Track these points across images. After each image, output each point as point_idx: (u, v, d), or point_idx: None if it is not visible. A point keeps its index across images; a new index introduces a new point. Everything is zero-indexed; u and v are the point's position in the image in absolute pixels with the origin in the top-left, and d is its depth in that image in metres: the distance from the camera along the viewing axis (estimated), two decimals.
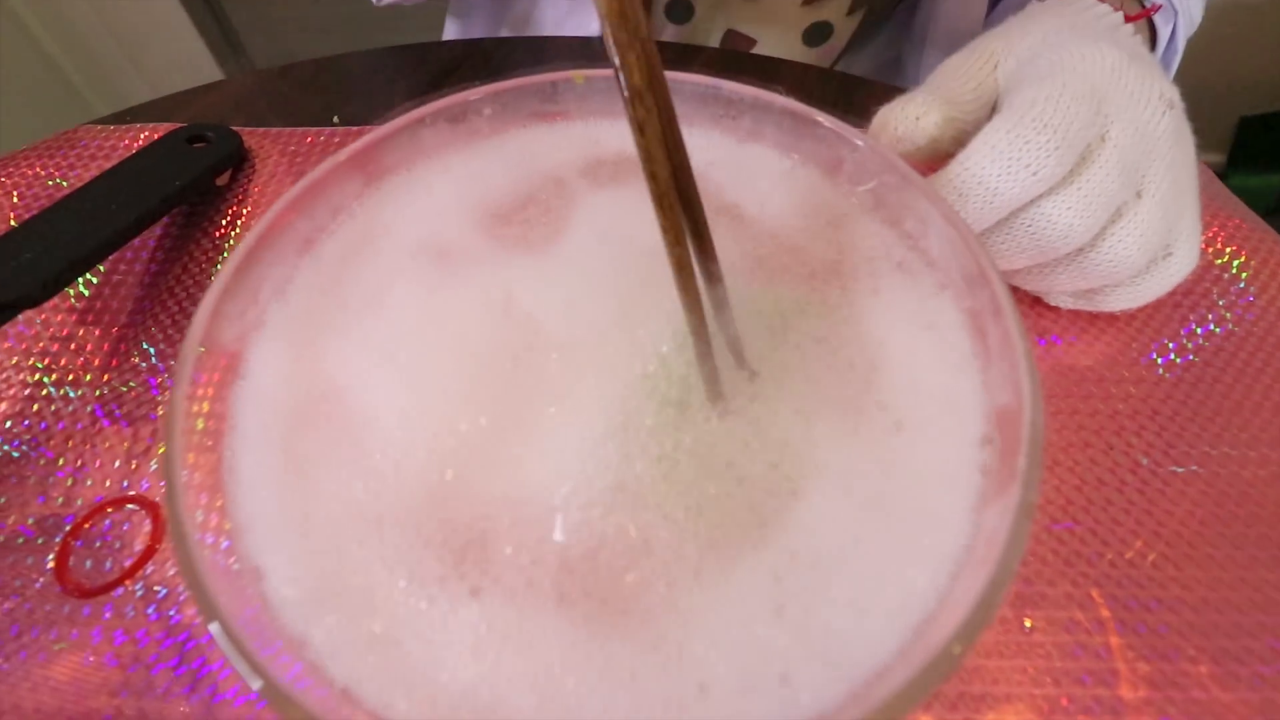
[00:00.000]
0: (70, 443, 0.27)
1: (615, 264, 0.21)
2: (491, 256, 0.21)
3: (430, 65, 0.41)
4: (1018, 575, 0.22)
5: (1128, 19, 0.31)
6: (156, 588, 0.23)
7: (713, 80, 0.23)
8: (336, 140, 0.36)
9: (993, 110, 0.26)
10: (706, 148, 0.24)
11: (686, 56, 0.41)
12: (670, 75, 0.23)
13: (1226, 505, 0.25)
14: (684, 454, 0.17)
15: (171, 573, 0.24)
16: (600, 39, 0.14)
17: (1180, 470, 0.26)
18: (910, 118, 0.25)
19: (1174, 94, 0.25)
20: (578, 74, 0.24)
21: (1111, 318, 0.29)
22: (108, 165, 0.35)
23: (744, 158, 0.23)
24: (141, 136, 0.36)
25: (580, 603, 0.15)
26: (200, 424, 0.17)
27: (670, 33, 0.48)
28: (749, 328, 0.19)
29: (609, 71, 0.23)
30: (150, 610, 0.23)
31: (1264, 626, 0.22)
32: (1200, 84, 1.34)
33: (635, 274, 0.20)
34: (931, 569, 0.15)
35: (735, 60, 0.42)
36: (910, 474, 0.17)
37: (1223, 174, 1.44)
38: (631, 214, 0.21)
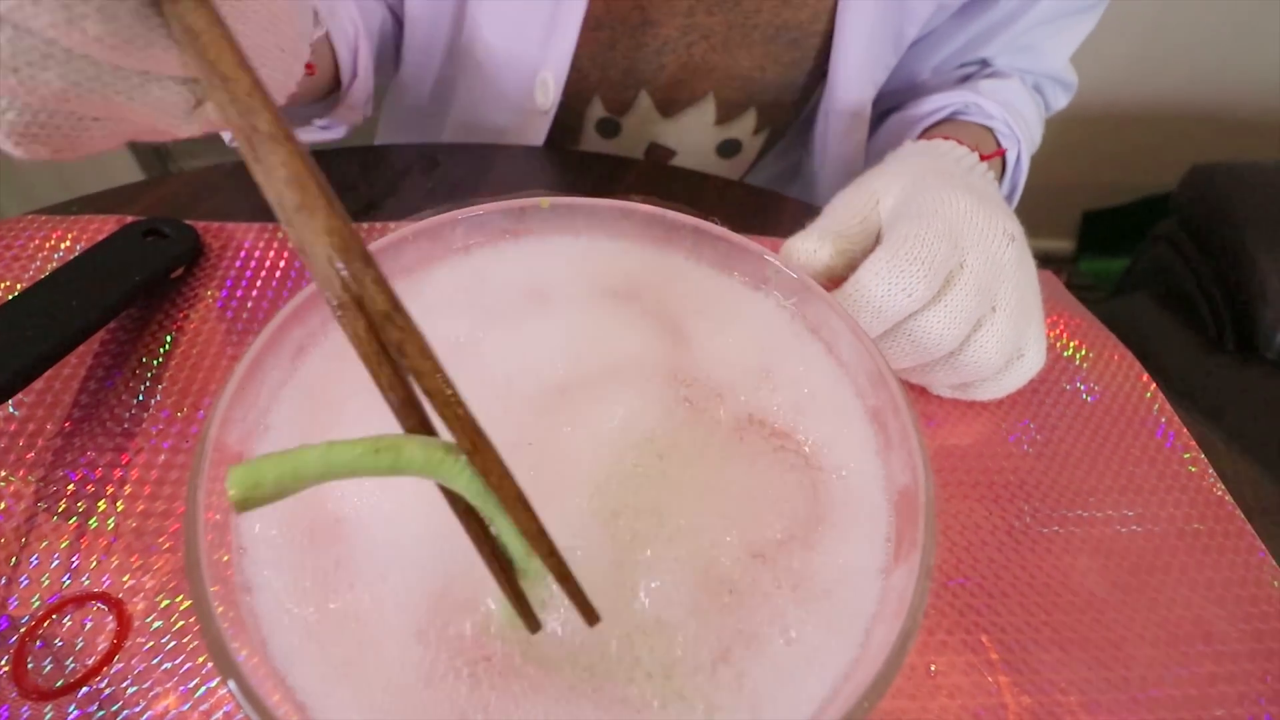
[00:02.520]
0: (22, 540, 0.27)
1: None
2: (465, 361, 0.25)
3: (385, 168, 0.45)
4: (921, 627, 0.26)
5: (983, 158, 0.39)
6: (125, 684, 0.24)
7: (666, 212, 0.28)
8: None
9: (876, 238, 0.33)
10: (659, 268, 0.28)
11: (620, 170, 0.47)
12: (632, 205, 0.28)
13: (1083, 558, 0.31)
14: None
15: (140, 669, 0.24)
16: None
17: (1046, 530, 0.32)
18: (809, 250, 0.31)
19: (1015, 228, 0.32)
20: (544, 200, 0.28)
21: (983, 405, 0.36)
22: (54, 257, 0.36)
23: (691, 275, 0.28)
24: (90, 229, 0.37)
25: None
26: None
27: (600, 147, 0.53)
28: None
29: (571, 199, 0.28)
30: (117, 708, 0.23)
31: (1118, 658, 0.28)
32: (1051, 184, 1.56)
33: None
34: (849, 629, 0.19)
35: (663, 174, 0.47)
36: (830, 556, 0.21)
37: (1073, 258, 1.66)
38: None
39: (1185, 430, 0.36)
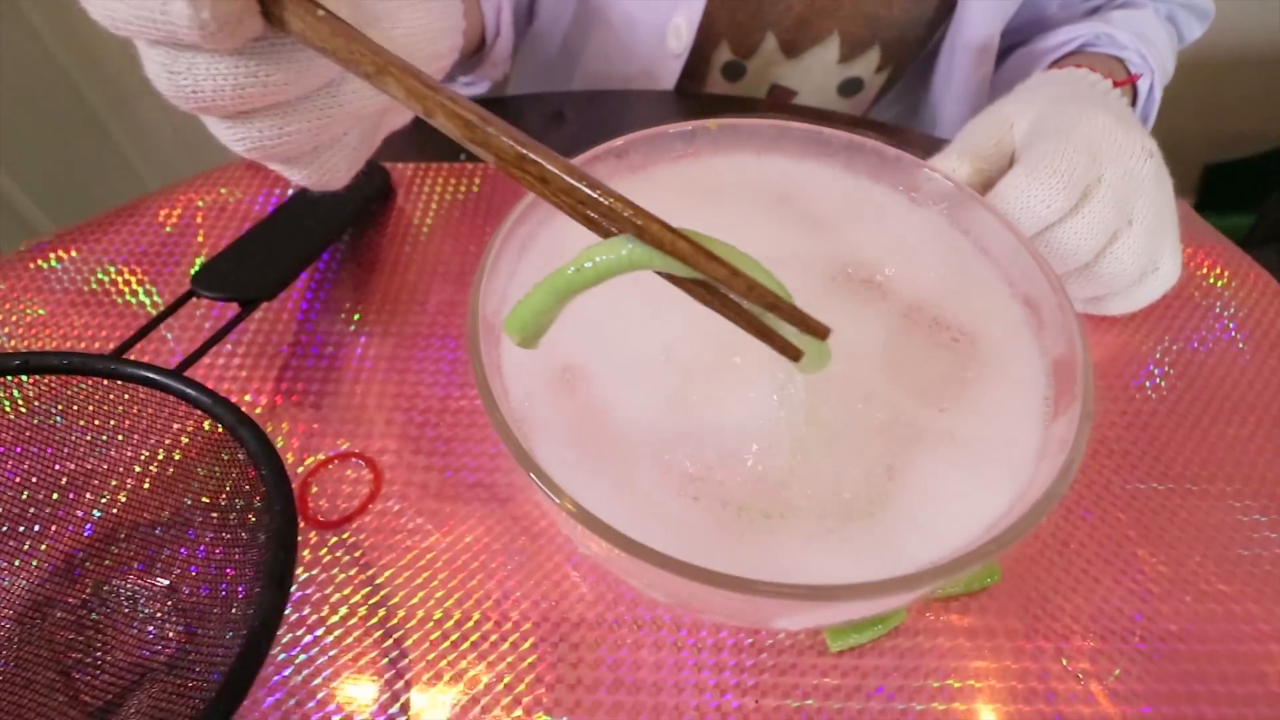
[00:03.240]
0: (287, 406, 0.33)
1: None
2: None
3: (539, 112, 0.50)
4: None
5: (1116, 84, 0.40)
6: (385, 521, 0.30)
7: (821, 129, 0.31)
8: (467, 171, 0.44)
9: (1010, 161, 0.35)
10: (817, 178, 0.31)
11: (746, 109, 0.50)
12: (789, 123, 0.31)
13: None
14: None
15: (396, 508, 0.30)
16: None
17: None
18: (949, 169, 0.34)
19: (1153, 145, 0.33)
20: (712, 122, 0.32)
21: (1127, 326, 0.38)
22: (272, 193, 0.43)
23: (846, 183, 0.31)
24: None
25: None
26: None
27: (725, 89, 0.56)
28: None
29: (739, 119, 0.31)
30: (380, 539, 0.29)
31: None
32: (1169, 134, 1.47)
33: None
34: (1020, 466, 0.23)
35: (790, 114, 0.50)
36: (1000, 397, 0.24)
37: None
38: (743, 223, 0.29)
39: None
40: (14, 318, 0.36)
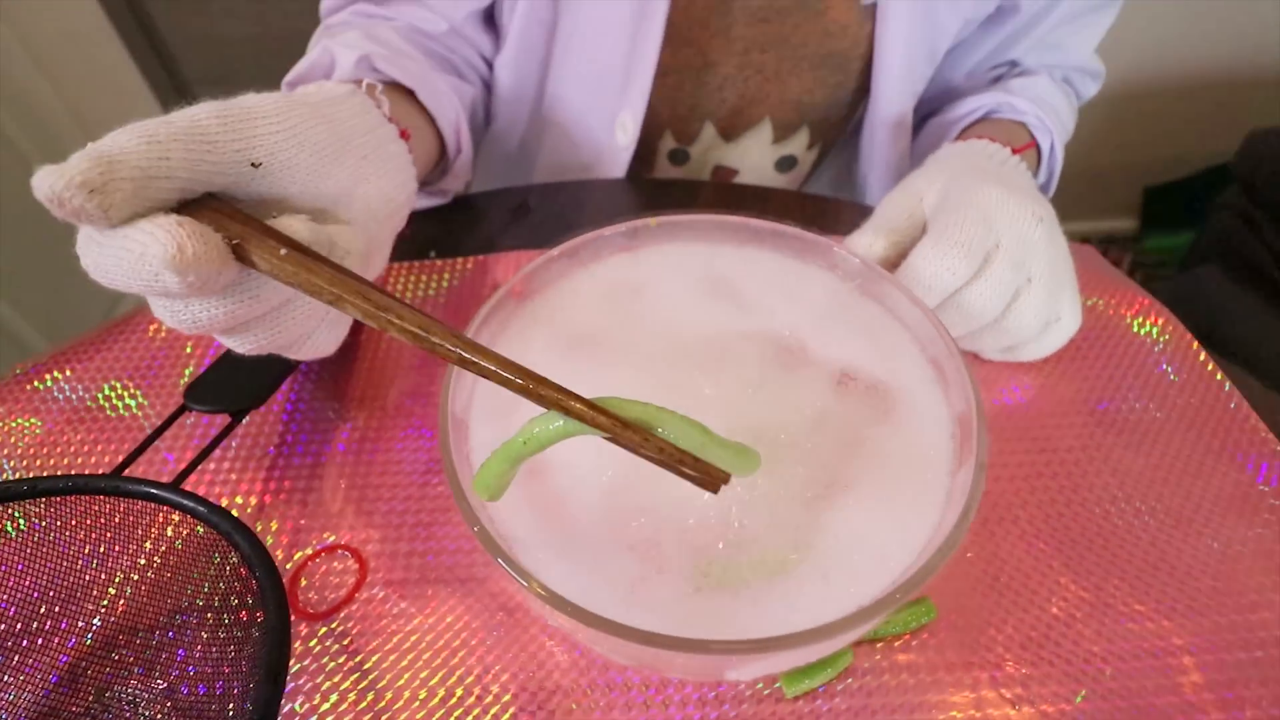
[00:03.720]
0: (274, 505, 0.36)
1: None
2: (606, 348, 0.32)
3: (503, 205, 0.54)
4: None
5: (1015, 150, 0.45)
6: (371, 608, 0.32)
7: (748, 220, 0.35)
8: (438, 268, 0.48)
9: (923, 230, 0.39)
10: (748, 262, 0.35)
11: (691, 192, 0.54)
12: (723, 217, 0.35)
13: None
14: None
15: (381, 595, 0.33)
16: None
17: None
18: (866, 244, 0.38)
19: (1045, 211, 0.38)
20: (652, 220, 0.36)
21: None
22: None
23: (774, 265, 0.35)
24: None
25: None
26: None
27: (672, 172, 0.61)
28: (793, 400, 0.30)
29: (673, 216, 0.35)
30: (367, 625, 0.32)
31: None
32: (1110, 163, 1.56)
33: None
34: (929, 511, 0.26)
35: (733, 193, 0.55)
36: (914, 449, 0.27)
37: (1137, 236, 1.65)
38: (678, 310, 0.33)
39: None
40: (13, 439, 0.39)
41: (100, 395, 0.41)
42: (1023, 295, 0.37)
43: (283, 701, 0.30)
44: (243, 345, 0.28)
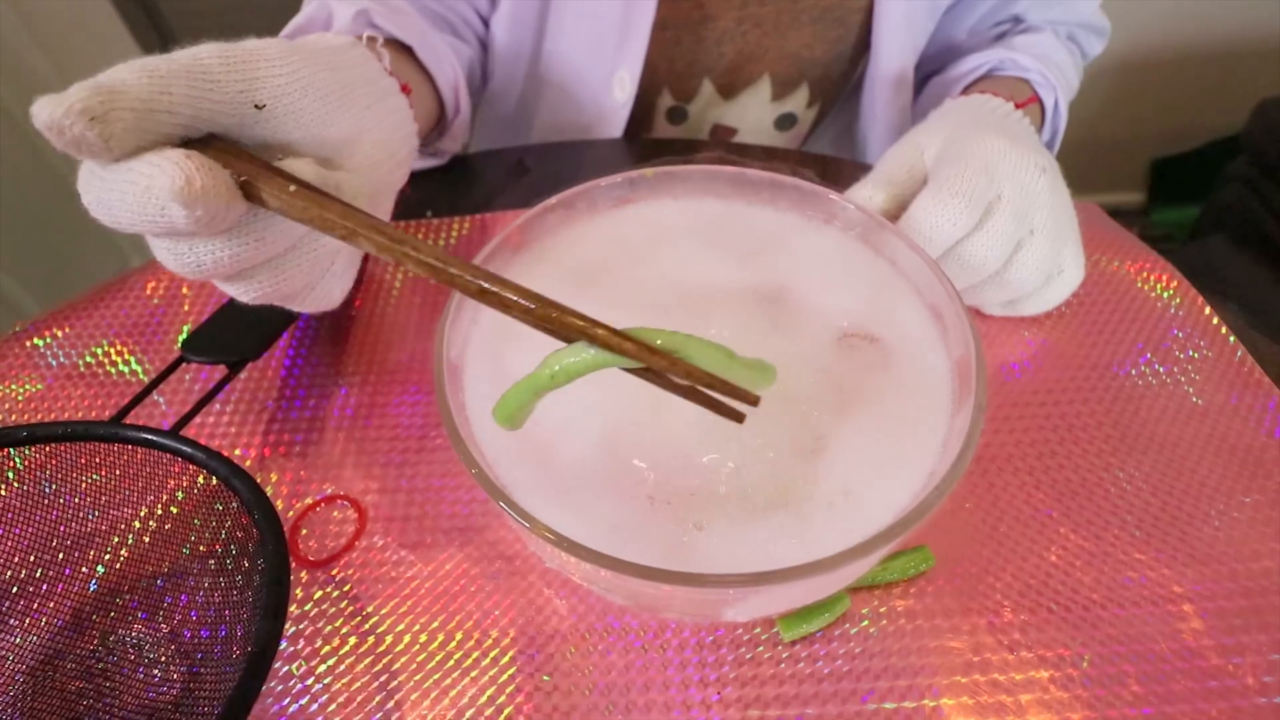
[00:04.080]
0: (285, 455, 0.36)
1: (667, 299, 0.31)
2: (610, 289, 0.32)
3: (500, 165, 0.53)
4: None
5: (1018, 105, 0.44)
6: (370, 557, 0.32)
7: (740, 170, 0.35)
8: (434, 227, 0.47)
9: (923, 183, 0.38)
10: (745, 215, 0.35)
11: (690, 151, 0.54)
12: (718, 168, 0.35)
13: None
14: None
15: (380, 544, 0.33)
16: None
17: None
18: (866, 197, 0.37)
19: (1047, 161, 0.37)
20: (649, 170, 0.35)
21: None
22: None
23: (771, 218, 0.35)
24: None
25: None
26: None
27: (670, 132, 0.61)
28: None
29: (671, 166, 0.35)
30: (367, 573, 0.32)
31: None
32: (1116, 135, 1.53)
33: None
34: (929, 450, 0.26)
35: (732, 151, 0.54)
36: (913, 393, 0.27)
37: (1145, 209, 1.64)
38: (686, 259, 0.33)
39: None
40: (12, 393, 0.39)
41: (99, 351, 0.41)
42: (1025, 247, 0.36)
43: (285, 646, 0.30)
44: (246, 293, 0.28)
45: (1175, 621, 0.30)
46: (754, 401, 0.22)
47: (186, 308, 0.43)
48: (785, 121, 0.59)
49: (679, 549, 0.25)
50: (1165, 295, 0.42)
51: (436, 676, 0.29)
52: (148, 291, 0.44)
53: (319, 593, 0.32)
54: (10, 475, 0.31)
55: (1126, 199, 1.67)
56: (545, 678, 0.29)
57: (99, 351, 0.41)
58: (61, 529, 0.32)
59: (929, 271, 0.30)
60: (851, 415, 0.27)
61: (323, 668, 0.29)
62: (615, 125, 0.56)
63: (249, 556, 0.29)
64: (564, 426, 0.28)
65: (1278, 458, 0.35)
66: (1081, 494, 0.34)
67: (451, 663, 0.29)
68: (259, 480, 0.35)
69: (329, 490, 0.35)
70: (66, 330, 0.42)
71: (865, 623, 0.30)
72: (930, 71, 0.57)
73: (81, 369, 0.40)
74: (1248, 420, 0.36)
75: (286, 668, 0.30)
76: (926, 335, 0.30)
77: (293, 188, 0.24)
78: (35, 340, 0.42)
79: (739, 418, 0.23)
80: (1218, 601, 0.30)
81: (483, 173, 0.53)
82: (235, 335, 0.36)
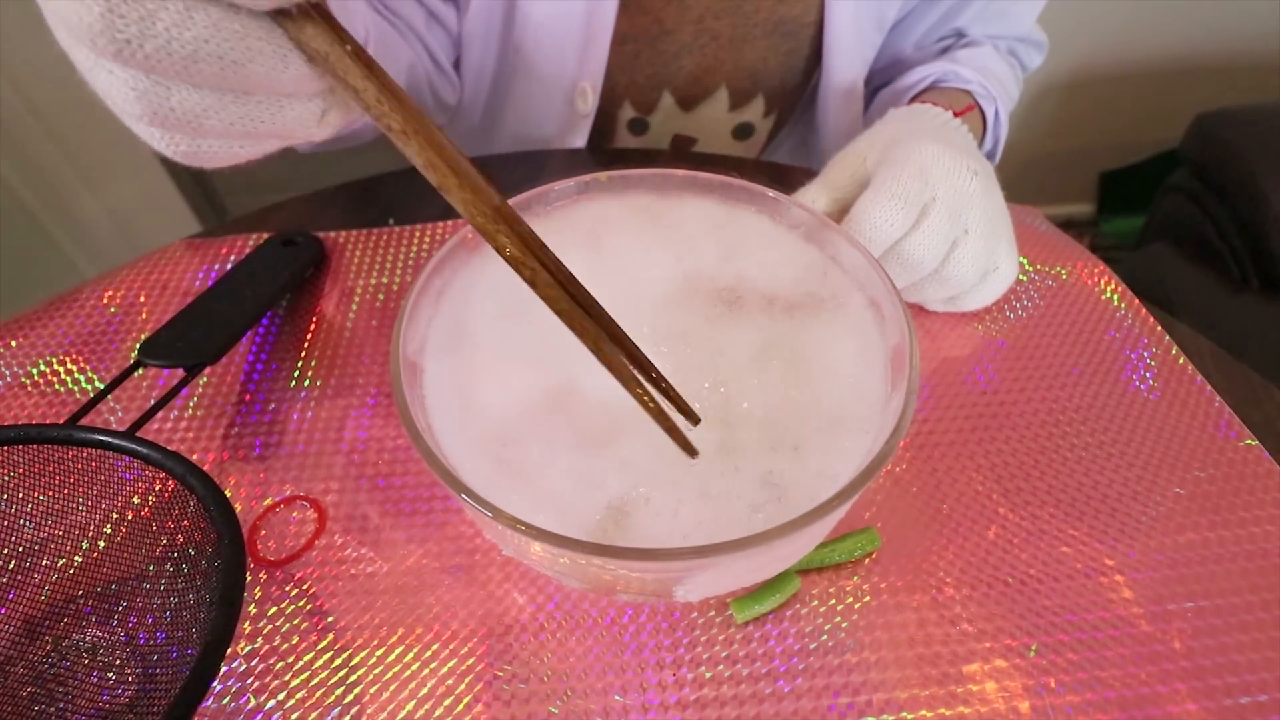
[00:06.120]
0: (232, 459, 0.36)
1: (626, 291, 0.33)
2: None
3: None
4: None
5: (956, 114, 0.46)
6: (330, 556, 0.33)
7: (692, 173, 0.36)
8: (395, 236, 0.48)
9: (865, 188, 0.40)
10: (695, 214, 0.36)
11: (650, 161, 0.55)
12: (670, 171, 0.36)
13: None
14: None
15: (340, 543, 0.33)
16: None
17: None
18: (809, 200, 0.39)
19: (979, 164, 0.39)
20: (603, 175, 0.36)
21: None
22: (212, 268, 0.46)
23: (721, 216, 0.36)
24: (235, 245, 0.47)
25: None
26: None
27: (633, 143, 0.62)
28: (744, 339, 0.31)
29: (624, 170, 0.36)
30: (325, 574, 0.32)
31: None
32: (1067, 149, 1.59)
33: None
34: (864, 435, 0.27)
35: (690, 160, 0.56)
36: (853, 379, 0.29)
37: (1094, 220, 1.70)
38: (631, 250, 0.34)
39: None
40: None
41: (47, 365, 0.41)
42: (960, 246, 0.38)
43: (244, 646, 0.30)
44: (141, 104, 0.20)
45: (1107, 592, 0.31)
46: (695, 421, 0.25)
47: (144, 316, 0.43)
48: (743, 131, 0.61)
49: (629, 530, 0.26)
50: (1105, 296, 0.45)
51: (396, 670, 0.29)
52: (104, 300, 0.44)
53: (278, 591, 0.32)
54: None
55: (1078, 210, 1.73)
56: (505, 668, 0.29)
57: (47, 365, 0.41)
58: (13, 536, 0.32)
59: (867, 265, 0.32)
60: (798, 408, 0.29)
61: (280, 664, 0.30)
62: (579, 136, 0.58)
63: (206, 557, 0.29)
64: (523, 418, 0.28)
65: (1209, 451, 0.37)
66: (1019, 475, 0.35)
67: (411, 656, 0.30)
68: (221, 483, 0.35)
69: (288, 491, 0.35)
70: (14, 344, 0.42)
71: (815, 603, 0.31)
72: (880, 84, 0.60)
73: (28, 383, 0.40)
74: (1181, 415, 0.38)
75: (245, 666, 0.30)
76: (866, 325, 0.31)
77: (349, 47, 0.20)
78: None
79: (692, 452, 0.25)
80: (1145, 572, 0.32)
81: None
82: (194, 339, 0.37)
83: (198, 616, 0.29)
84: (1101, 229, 1.71)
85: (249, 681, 0.29)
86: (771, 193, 0.35)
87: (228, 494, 0.35)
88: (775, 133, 0.65)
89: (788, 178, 0.54)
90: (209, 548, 0.28)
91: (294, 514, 0.34)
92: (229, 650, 0.28)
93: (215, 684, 0.29)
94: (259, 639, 0.30)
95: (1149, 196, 1.49)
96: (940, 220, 0.37)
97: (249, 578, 0.32)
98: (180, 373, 0.35)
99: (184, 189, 1.27)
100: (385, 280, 0.45)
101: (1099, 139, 1.59)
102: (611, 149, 0.62)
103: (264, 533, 0.34)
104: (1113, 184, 1.67)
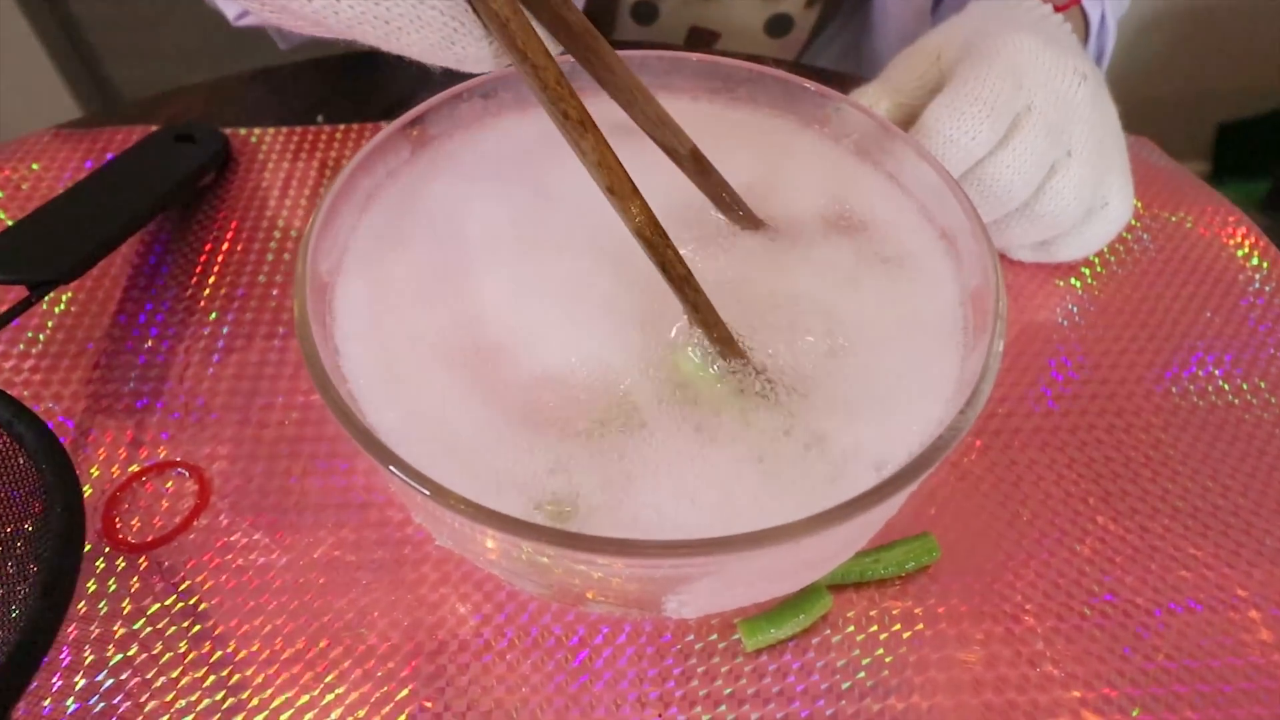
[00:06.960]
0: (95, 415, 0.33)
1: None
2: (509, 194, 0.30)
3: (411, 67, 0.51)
4: None
5: (1056, 9, 0.43)
6: (211, 539, 0.30)
7: (712, 58, 0.33)
8: (324, 138, 0.45)
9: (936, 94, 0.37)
10: (718, 116, 0.33)
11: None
12: (683, 55, 0.33)
13: None
14: None
15: (225, 524, 0.30)
16: None
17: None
18: (866, 105, 0.36)
19: (1088, 67, 0.36)
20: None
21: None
22: (84, 165, 0.43)
23: (750, 121, 0.33)
24: (117, 138, 0.44)
25: None
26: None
27: (636, 34, 0.59)
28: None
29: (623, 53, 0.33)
30: (204, 560, 0.30)
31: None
32: (1177, 92, 1.55)
33: None
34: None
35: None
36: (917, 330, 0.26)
37: (1209, 181, 1.67)
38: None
39: None
40: None
41: None
42: (1060, 171, 0.35)
43: (88, 654, 0.28)
44: None
45: (1239, 632, 0.29)
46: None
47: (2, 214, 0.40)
48: (778, 25, 0.58)
49: (601, 508, 0.23)
50: (1240, 254, 0.42)
51: (290, 694, 0.27)
52: None
53: (138, 582, 0.29)
54: None
55: (1190, 168, 1.71)
56: (437, 698, 0.27)
57: None
58: None
59: (942, 185, 0.29)
60: (846, 366, 0.26)
61: (135, 680, 0.27)
62: None
63: (31, 533, 0.26)
64: (471, 364, 0.26)
65: None
66: (1124, 476, 0.33)
67: (311, 677, 0.27)
68: (74, 442, 0.32)
69: (162, 455, 0.32)
70: None
71: (851, 628, 0.29)
72: None
73: None
74: None
75: (85, 680, 0.27)
76: (935, 262, 0.28)
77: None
78: None
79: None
80: None
81: (394, 71, 0.51)
82: (44, 250, 0.34)
83: (17, 595, 0.26)
84: (1219, 191, 1.68)
85: (92, 701, 0.27)
86: (814, 89, 0.32)
87: (82, 455, 0.32)
88: (819, 29, 0.61)
89: (836, 85, 0.51)
90: (36, 519, 0.25)
91: (168, 484, 0.32)
92: (68, 658, 0.25)
93: (46, 701, 0.27)
94: (109, 644, 0.28)
95: (1277, 154, 1.46)
96: (1036, 136, 0.34)
97: (101, 565, 0.29)
98: (23, 291, 0.32)
99: (62, 64, 1.20)
100: (308, 193, 0.42)
101: (1218, 83, 1.55)
102: (609, 40, 0.58)
103: (126, 506, 0.31)
104: (1233, 138, 1.64)
